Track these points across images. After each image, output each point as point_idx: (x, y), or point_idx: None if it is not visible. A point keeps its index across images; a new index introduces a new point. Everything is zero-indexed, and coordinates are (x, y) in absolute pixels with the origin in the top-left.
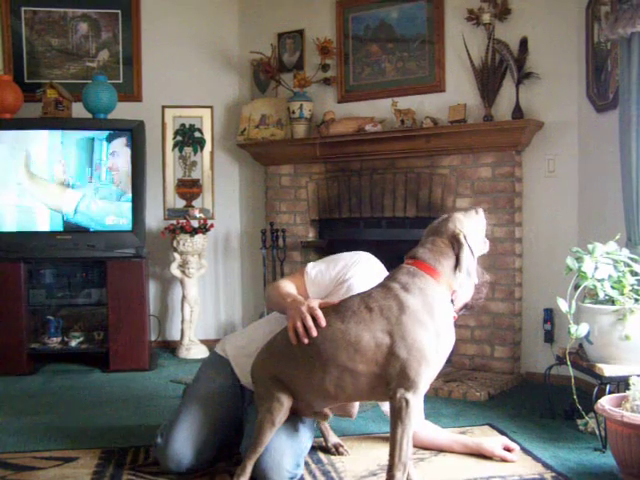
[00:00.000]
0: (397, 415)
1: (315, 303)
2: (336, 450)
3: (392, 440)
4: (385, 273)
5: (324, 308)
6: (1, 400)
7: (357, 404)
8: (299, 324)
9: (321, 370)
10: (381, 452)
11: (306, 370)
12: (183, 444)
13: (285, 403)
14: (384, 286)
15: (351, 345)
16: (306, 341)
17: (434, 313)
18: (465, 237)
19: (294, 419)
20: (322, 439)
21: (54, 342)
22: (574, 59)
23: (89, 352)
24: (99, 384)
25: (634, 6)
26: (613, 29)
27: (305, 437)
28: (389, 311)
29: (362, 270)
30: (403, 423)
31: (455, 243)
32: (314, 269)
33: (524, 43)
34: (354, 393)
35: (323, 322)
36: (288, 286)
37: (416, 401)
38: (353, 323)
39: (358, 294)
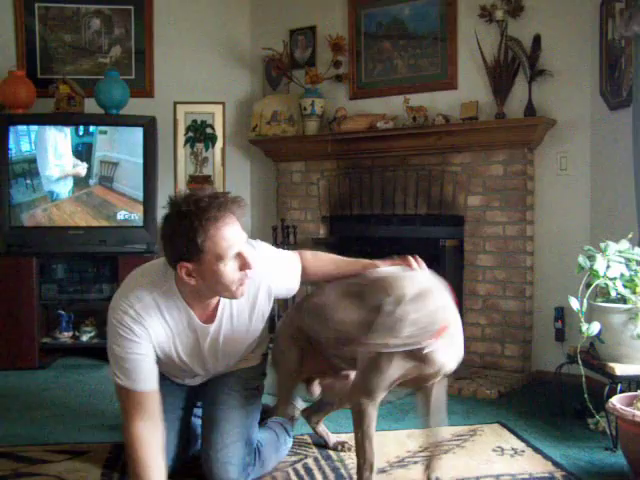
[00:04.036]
0: (355, 418)
1: None
2: (342, 448)
3: (355, 443)
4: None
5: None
6: (13, 394)
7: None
8: None
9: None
10: (388, 449)
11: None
12: None
13: (299, 363)
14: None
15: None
16: None
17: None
18: None
19: (245, 421)
20: (324, 445)
21: (65, 336)
22: (587, 56)
23: (100, 347)
24: (110, 379)
25: None
26: (627, 26)
27: (254, 428)
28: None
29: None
30: (361, 427)
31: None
32: None
33: (537, 40)
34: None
35: None
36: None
37: (370, 406)
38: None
39: (354, 280)
